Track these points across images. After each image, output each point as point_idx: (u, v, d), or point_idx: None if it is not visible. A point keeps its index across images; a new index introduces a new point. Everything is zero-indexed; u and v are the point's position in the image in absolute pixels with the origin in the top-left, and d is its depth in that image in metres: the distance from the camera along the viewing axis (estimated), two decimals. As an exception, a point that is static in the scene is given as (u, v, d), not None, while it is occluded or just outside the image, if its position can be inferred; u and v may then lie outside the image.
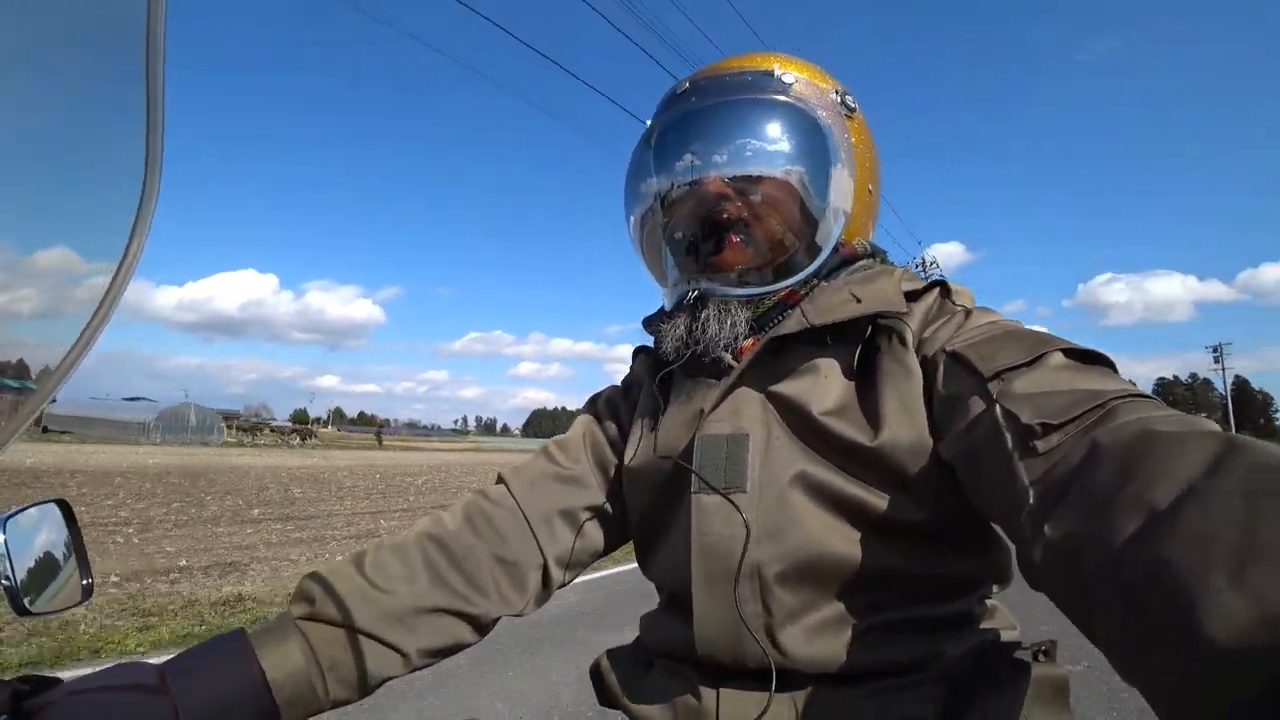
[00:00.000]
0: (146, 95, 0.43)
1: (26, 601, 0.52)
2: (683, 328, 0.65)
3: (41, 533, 0.55)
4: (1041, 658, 0.58)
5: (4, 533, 0.51)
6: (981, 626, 0.59)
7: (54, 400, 0.44)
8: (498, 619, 0.68)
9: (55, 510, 0.56)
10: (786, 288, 0.66)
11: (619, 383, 0.82)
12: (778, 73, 0.68)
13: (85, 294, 0.44)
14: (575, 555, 0.71)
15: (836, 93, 0.71)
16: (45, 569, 0.55)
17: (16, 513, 0.53)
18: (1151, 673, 0.31)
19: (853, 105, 0.71)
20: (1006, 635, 0.60)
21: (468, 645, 0.67)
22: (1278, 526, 0.27)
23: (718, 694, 0.57)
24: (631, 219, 0.73)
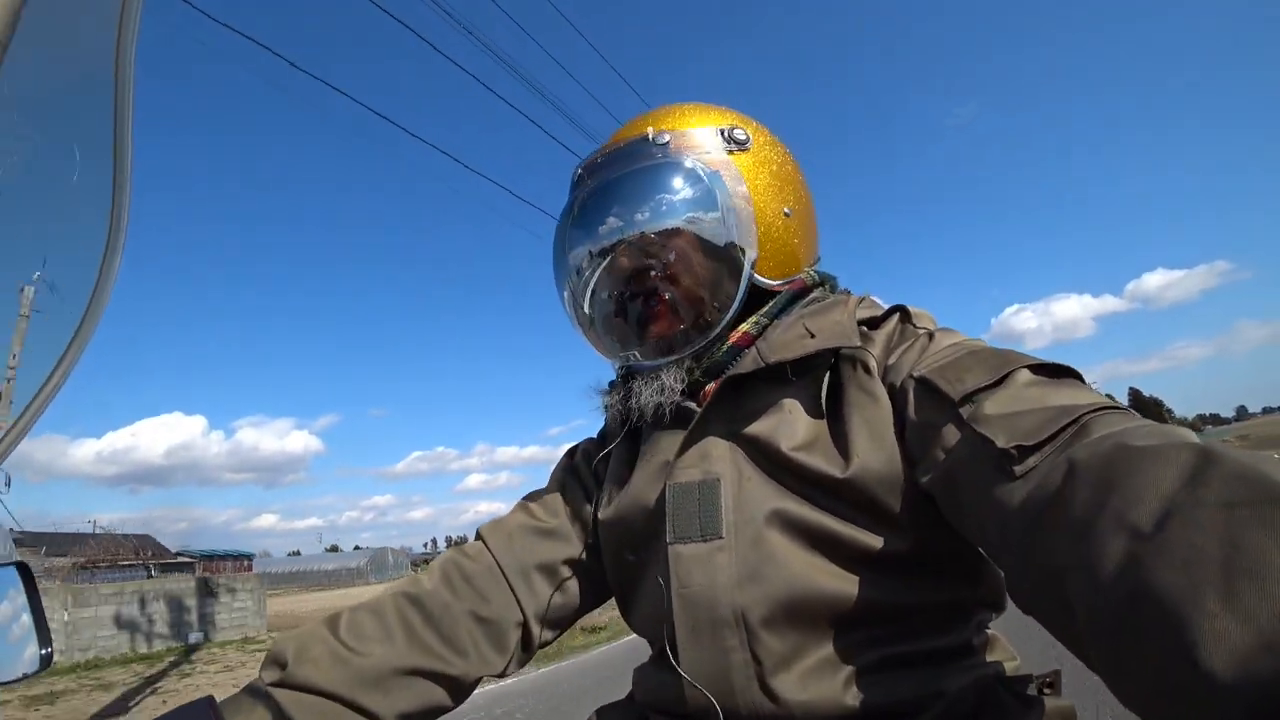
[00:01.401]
0: (114, 154, 0.45)
1: (-18, 670, 0.51)
2: (618, 400, 0.67)
3: (0, 599, 0.54)
4: (1046, 690, 0.56)
5: (-42, 598, 0.49)
6: (982, 659, 0.57)
7: None
8: (478, 680, 0.66)
9: (14, 575, 0.55)
10: (709, 340, 0.65)
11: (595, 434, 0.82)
12: (651, 135, 0.68)
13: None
14: (556, 611, 0.69)
15: (721, 133, 0.69)
16: (3, 636, 0.53)
17: (-27, 577, 0.52)
18: (1148, 698, 0.30)
19: (743, 138, 0.69)
20: (1008, 667, 0.58)
21: (447, 709, 0.64)
22: (1261, 540, 0.27)
23: None
24: (564, 301, 0.74)
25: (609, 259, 0.66)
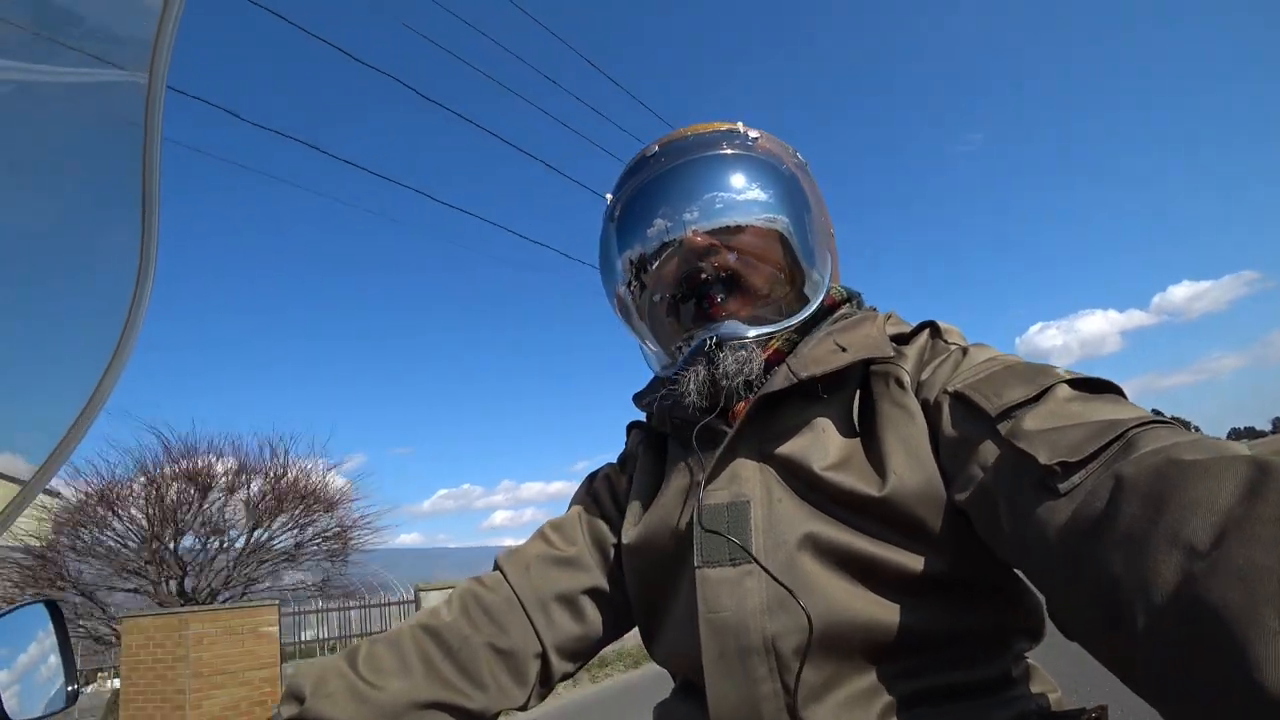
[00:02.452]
0: (143, 198, 0.46)
1: (10, 707, 0.51)
2: (704, 372, 0.62)
3: (29, 636, 0.54)
4: None
5: (-12, 636, 0.50)
6: (1021, 688, 0.54)
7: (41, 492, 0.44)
8: (498, 714, 0.64)
9: (43, 612, 0.55)
10: (796, 324, 0.64)
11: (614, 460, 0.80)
12: (742, 129, 0.69)
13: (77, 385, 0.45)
14: (576, 642, 0.67)
15: (792, 150, 0.72)
16: (32, 673, 0.54)
17: (3, 614, 0.52)
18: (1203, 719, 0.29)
19: (804, 161, 0.73)
20: (1050, 700, 0.55)
21: None
22: None
23: None
24: (617, 291, 0.72)
25: (692, 236, 0.63)
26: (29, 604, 0.55)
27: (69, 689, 0.56)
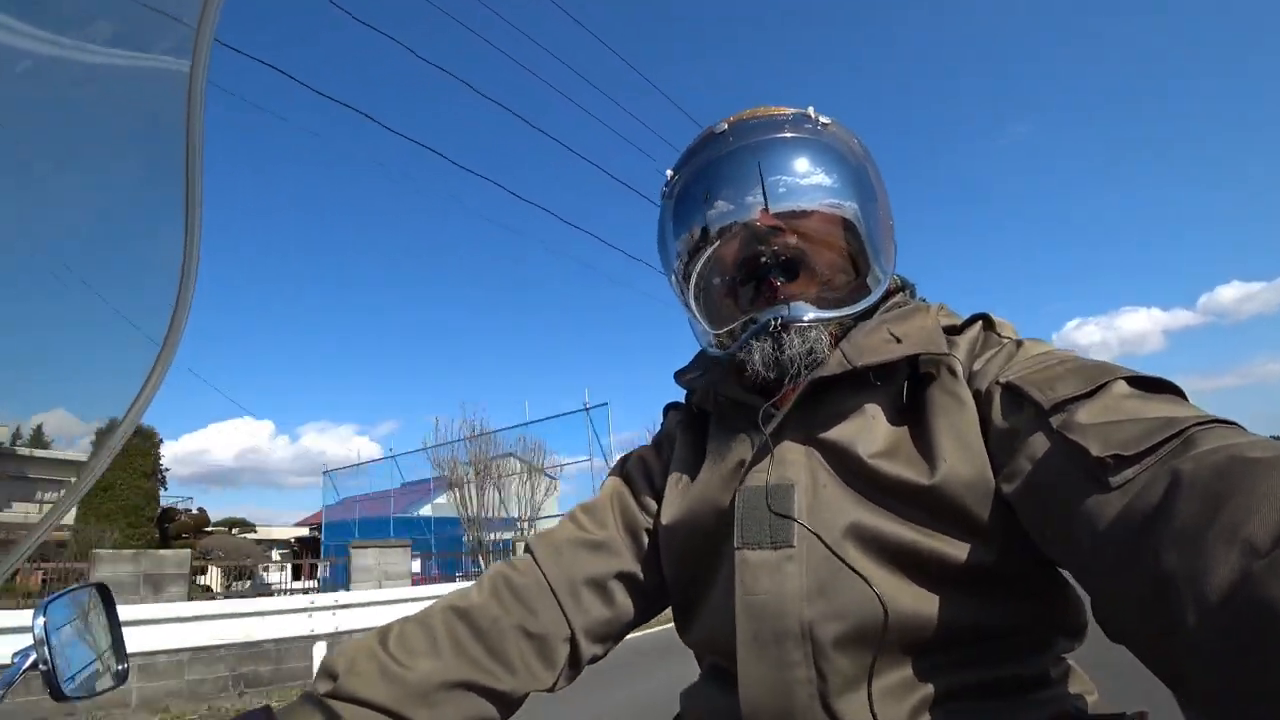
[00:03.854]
0: (186, 196, 0.46)
1: (64, 686, 0.52)
2: (770, 348, 0.61)
3: (81, 617, 0.55)
4: None
5: (45, 616, 0.51)
6: (1058, 688, 0.53)
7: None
8: (525, 695, 0.64)
9: (95, 595, 0.56)
10: (862, 309, 0.63)
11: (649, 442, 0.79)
12: (812, 114, 0.68)
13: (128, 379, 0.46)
14: (605, 626, 0.67)
15: (859, 140, 0.71)
16: (83, 653, 0.55)
17: (57, 597, 0.53)
18: None
19: (867, 150, 0.71)
20: (1088, 702, 0.55)
21: None
22: None
23: None
24: (677, 267, 0.71)
25: (759, 217, 0.63)
26: (81, 587, 0.56)
27: (119, 668, 0.57)
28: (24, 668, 0.50)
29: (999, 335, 0.59)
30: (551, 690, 0.66)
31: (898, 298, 0.68)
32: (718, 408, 0.67)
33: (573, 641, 0.65)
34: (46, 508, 0.40)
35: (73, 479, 0.43)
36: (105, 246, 0.53)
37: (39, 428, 0.45)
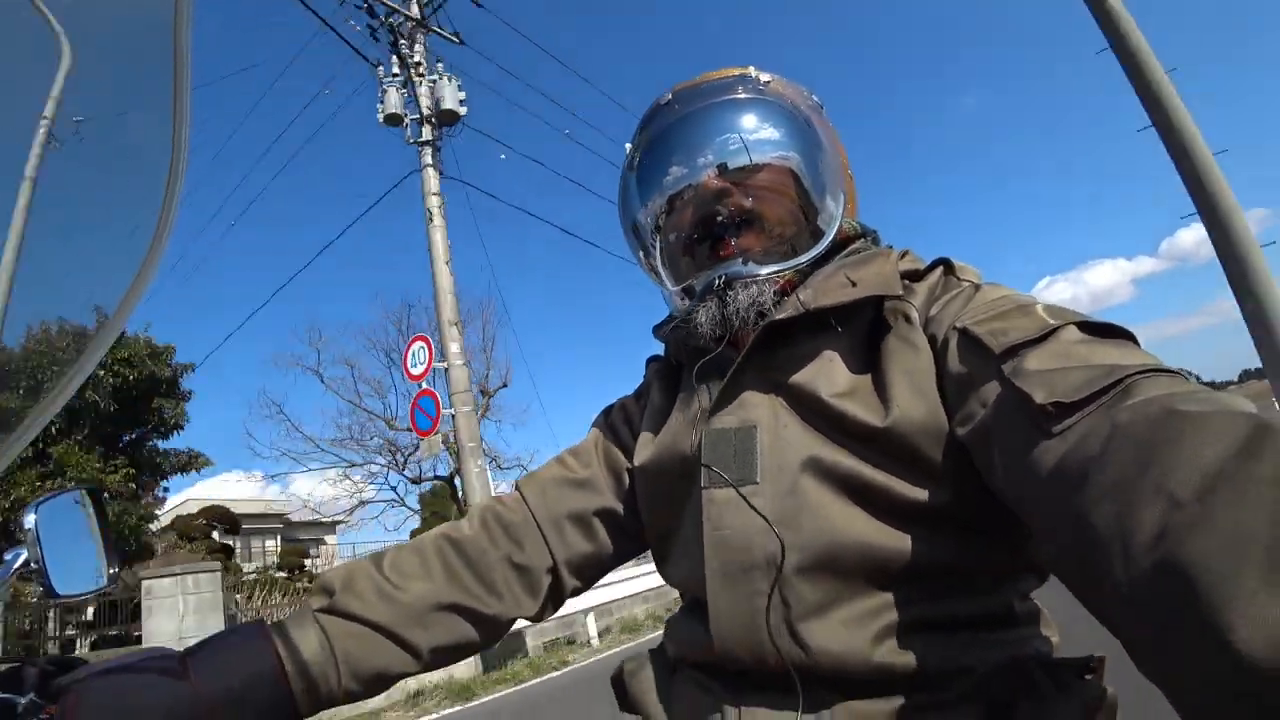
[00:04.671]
0: (174, 89, 0.45)
1: (56, 585, 0.54)
2: (715, 307, 0.64)
3: (71, 519, 0.57)
4: (1089, 676, 0.52)
5: (36, 515, 0.53)
6: (1019, 630, 0.55)
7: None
8: (511, 621, 0.69)
9: (85, 497, 0.58)
10: (807, 261, 0.65)
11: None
12: (754, 73, 0.71)
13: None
14: (586, 560, 0.71)
15: (807, 92, 0.74)
16: (74, 554, 0.57)
17: (48, 498, 0.55)
18: (1176, 676, 0.29)
19: (820, 102, 0.74)
20: (1046, 643, 0.57)
21: (480, 648, 0.68)
22: None
23: (739, 712, 0.54)
24: (635, 236, 0.74)
25: (706, 180, 0.65)
26: (71, 489, 0.58)
27: (110, 570, 0.59)
28: (15, 566, 0.52)
29: (959, 279, 0.61)
30: (535, 619, 0.71)
31: (858, 244, 0.69)
32: (688, 357, 0.69)
33: (555, 573, 0.69)
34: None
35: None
36: (89, 153, 0.52)
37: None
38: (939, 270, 0.63)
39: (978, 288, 0.58)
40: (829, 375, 0.58)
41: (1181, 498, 0.30)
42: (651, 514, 0.69)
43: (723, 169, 0.65)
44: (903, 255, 0.66)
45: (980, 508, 0.51)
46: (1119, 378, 0.40)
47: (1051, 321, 0.48)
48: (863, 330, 0.60)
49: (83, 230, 0.45)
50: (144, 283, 0.40)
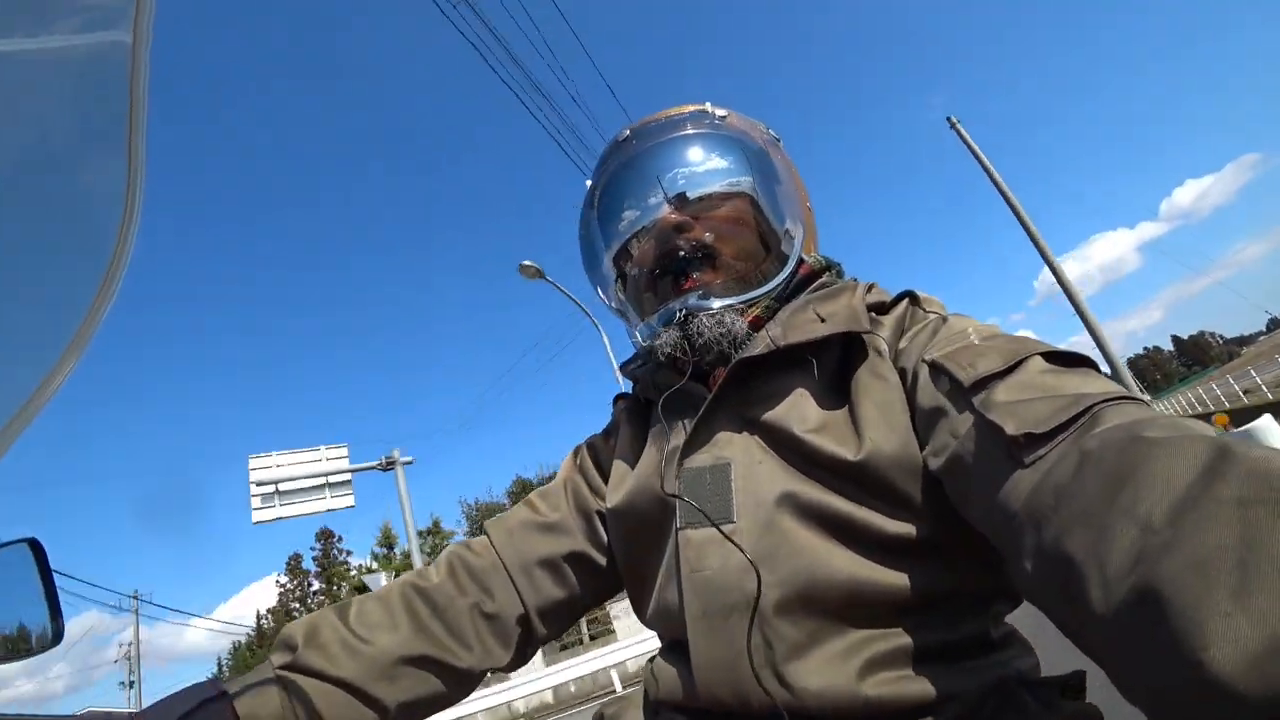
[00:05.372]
0: (129, 167, 0.45)
1: (-3, 646, 0.52)
2: (677, 334, 0.64)
3: (13, 575, 0.55)
4: (1070, 693, 0.53)
5: (-29, 574, 0.51)
6: (1000, 654, 0.55)
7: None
8: (483, 673, 0.66)
9: (26, 551, 0.56)
10: (768, 292, 0.66)
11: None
12: (709, 108, 0.73)
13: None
14: (558, 606, 0.69)
15: (763, 126, 0.76)
16: (15, 612, 0.54)
17: (-14, 554, 0.53)
18: (1156, 698, 0.30)
19: (777, 136, 0.77)
20: (1028, 664, 0.57)
21: (449, 703, 0.65)
22: (1278, 539, 0.26)
23: None
24: (600, 272, 0.74)
25: (665, 215, 0.66)
26: (12, 542, 0.55)
27: (54, 625, 0.57)
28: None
29: (925, 311, 0.61)
30: (507, 669, 0.68)
31: (825, 278, 0.70)
32: (657, 394, 0.69)
33: (527, 621, 0.67)
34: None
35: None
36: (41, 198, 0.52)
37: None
38: (905, 302, 0.64)
39: (944, 319, 0.59)
40: (801, 411, 0.58)
41: (1152, 522, 0.31)
42: (626, 556, 0.67)
43: (681, 203, 0.66)
44: (869, 288, 0.67)
45: (957, 537, 0.51)
46: (1085, 406, 0.41)
47: (1019, 352, 0.49)
48: (833, 364, 0.60)
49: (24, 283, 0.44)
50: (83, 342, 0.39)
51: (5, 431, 0.41)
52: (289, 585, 33.39)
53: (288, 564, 33.92)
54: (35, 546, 0.56)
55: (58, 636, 0.57)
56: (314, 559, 33.05)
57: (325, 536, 33.05)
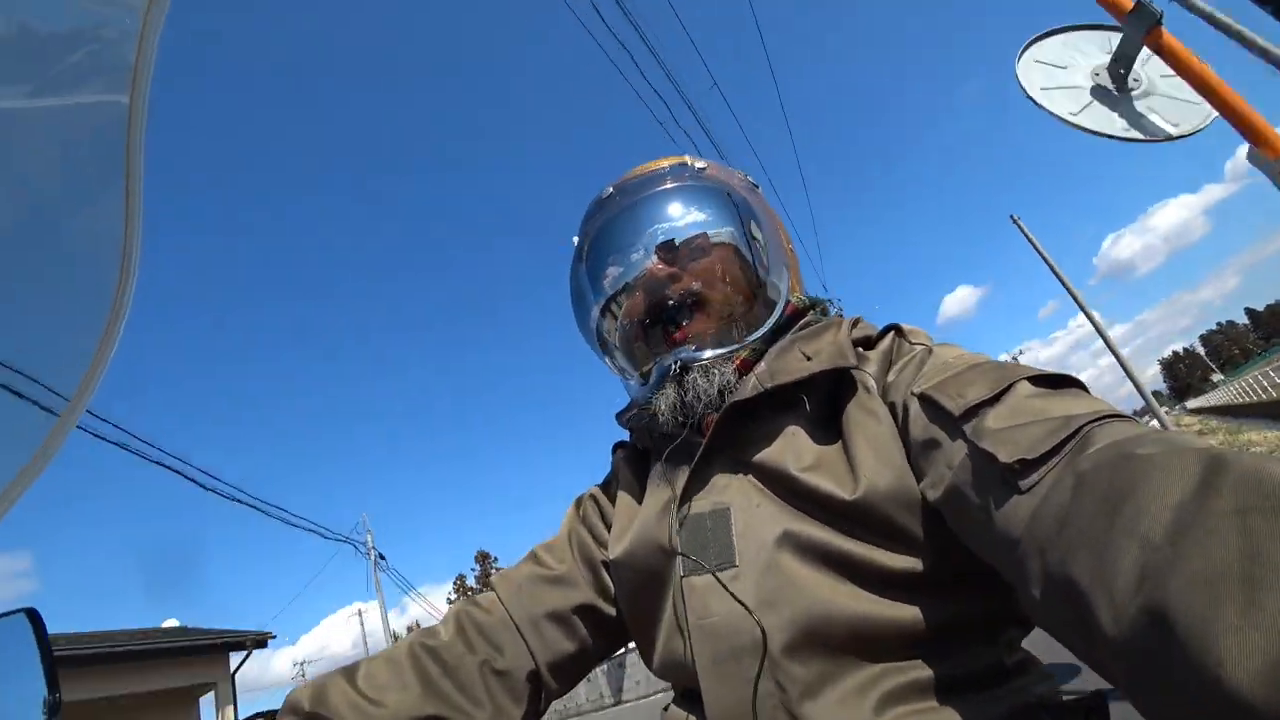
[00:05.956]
0: (125, 225, 0.44)
1: (-8, 722, 0.50)
2: (673, 393, 0.65)
3: (11, 647, 0.53)
4: (1095, 716, 0.53)
5: (-32, 647, 0.49)
6: (1017, 680, 0.54)
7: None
8: None
9: (24, 622, 0.54)
10: (758, 339, 0.67)
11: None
12: (689, 161, 0.76)
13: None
14: (569, 660, 0.68)
15: (738, 174, 0.79)
16: (12, 685, 0.53)
17: (-16, 626, 0.51)
18: (1176, 716, 0.29)
19: (755, 183, 0.80)
20: (1045, 687, 0.55)
21: None
22: (1278, 547, 0.26)
23: None
24: (589, 327, 0.76)
25: (653, 267, 0.68)
26: (10, 613, 0.54)
27: (51, 699, 0.55)
28: (-51, 703, 0.48)
29: (910, 343, 0.62)
30: None
31: (809, 317, 0.72)
32: (654, 443, 0.69)
33: (537, 676, 0.67)
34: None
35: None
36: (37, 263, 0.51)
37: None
38: (890, 335, 0.65)
39: (930, 350, 0.60)
40: (795, 450, 0.58)
41: (1153, 540, 0.31)
42: (632, 606, 0.67)
43: (667, 255, 0.68)
44: (855, 323, 0.68)
45: (961, 567, 0.51)
46: (1076, 428, 0.41)
47: (1004, 379, 0.49)
48: (822, 401, 0.61)
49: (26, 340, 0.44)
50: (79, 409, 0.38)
51: (9, 491, 0.39)
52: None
53: (455, 584, 41.18)
54: (33, 617, 0.55)
55: (55, 709, 0.55)
56: (475, 578, 39.69)
57: (482, 558, 39.60)
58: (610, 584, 0.70)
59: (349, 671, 0.63)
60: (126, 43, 0.42)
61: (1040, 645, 0.57)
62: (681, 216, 0.69)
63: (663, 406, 0.65)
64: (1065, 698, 0.54)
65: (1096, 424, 0.41)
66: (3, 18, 0.42)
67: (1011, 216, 12.57)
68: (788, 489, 0.57)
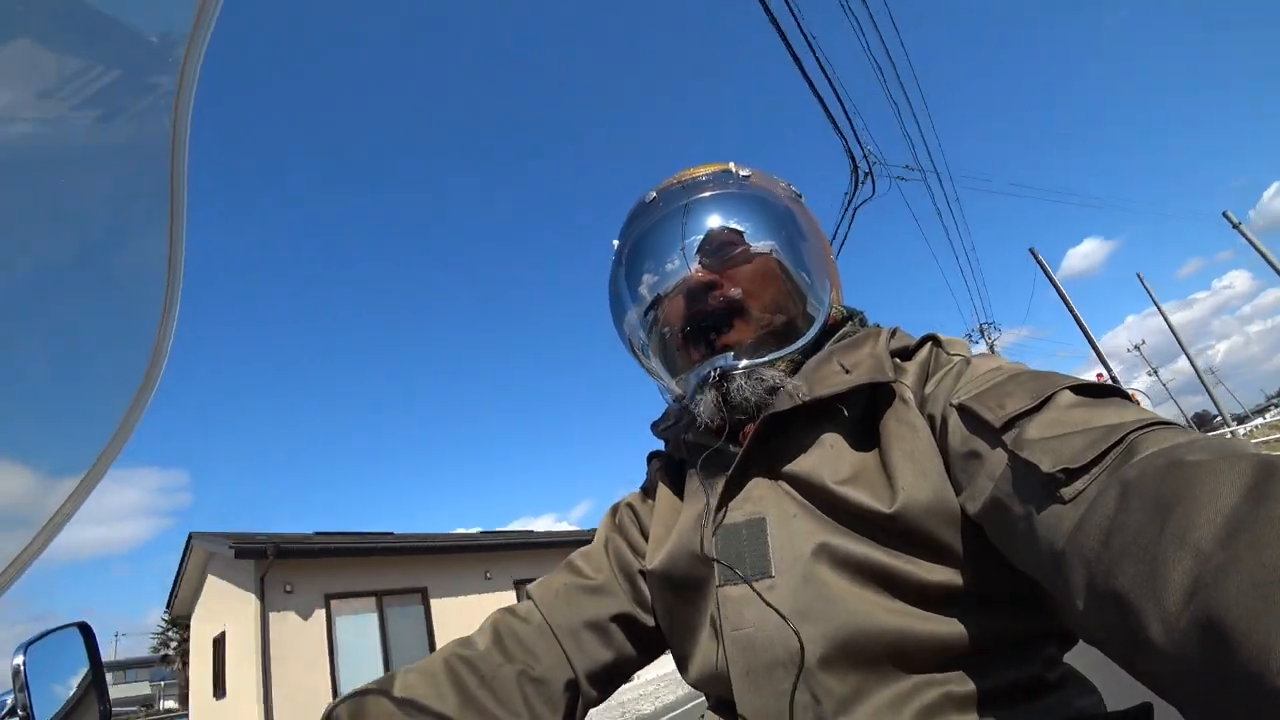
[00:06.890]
0: (170, 216, 0.45)
1: (45, 732, 0.51)
2: (714, 395, 0.64)
3: (62, 660, 0.55)
4: None
5: (24, 657, 0.51)
6: (1059, 697, 0.53)
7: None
8: None
9: (77, 635, 0.56)
10: (798, 349, 0.67)
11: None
12: (733, 168, 0.75)
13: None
14: (606, 669, 0.69)
15: (785, 183, 0.78)
16: (64, 698, 0.54)
17: (37, 638, 0.53)
18: None
19: (799, 193, 0.78)
20: (1088, 702, 0.54)
21: None
22: None
23: None
24: (626, 333, 0.76)
25: (693, 274, 0.68)
26: (63, 627, 0.56)
27: (101, 710, 0.56)
28: (2, 715, 0.50)
29: (948, 354, 0.62)
30: None
31: (847, 327, 0.71)
32: (690, 454, 0.69)
33: (575, 685, 0.67)
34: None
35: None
36: (83, 272, 0.53)
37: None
38: (928, 346, 0.64)
39: (968, 361, 0.59)
40: (832, 462, 0.58)
41: (1204, 548, 0.30)
42: (669, 616, 0.67)
43: (709, 262, 0.68)
44: (892, 334, 0.67)
45: (1002, 580, 0.51)
46: (1120, 436, 0.41)
47: (1046, 388, 0.49)
48: (860, 414, 0.61)
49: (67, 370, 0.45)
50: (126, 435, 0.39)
51: (46, 530, 0.40)
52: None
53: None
54: (85, 630, 0.56)
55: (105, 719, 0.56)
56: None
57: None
58: (647, 593, 0.69)
59: (384, 684, 0.63)
60: (168, 73, 0.44)
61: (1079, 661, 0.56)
62: (724, 224, 0.69)
63: (703, 409, 0.65)
64: (1112, 711, 0.52)
65: (1142, 432, 0.41)
66: (46, 44, 0.45)
67: (1030, 250, 12.50)
68: (824, 500, 0.56)
